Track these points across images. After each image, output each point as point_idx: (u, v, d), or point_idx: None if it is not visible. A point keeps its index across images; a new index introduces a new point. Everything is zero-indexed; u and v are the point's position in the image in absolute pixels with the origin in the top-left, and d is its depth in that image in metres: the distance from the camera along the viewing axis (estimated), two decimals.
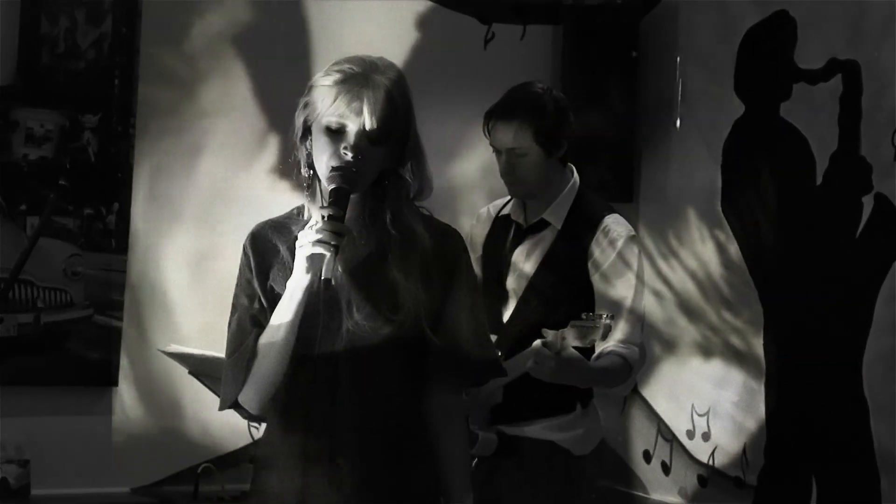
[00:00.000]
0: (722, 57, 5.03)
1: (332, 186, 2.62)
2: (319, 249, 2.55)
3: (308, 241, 2.56)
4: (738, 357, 4.89)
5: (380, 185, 2.70)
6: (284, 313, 2.64)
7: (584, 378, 3.54)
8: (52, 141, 4.59)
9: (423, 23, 5.22)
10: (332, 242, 2.55)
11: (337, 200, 2.61)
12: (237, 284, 2.77)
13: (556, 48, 5.38)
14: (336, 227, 2.57)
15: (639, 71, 5.28)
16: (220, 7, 4.89)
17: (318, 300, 2.66)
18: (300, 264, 2.59)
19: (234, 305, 2.77)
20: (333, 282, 2.61)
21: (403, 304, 2.66)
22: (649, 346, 5.21)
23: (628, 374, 3.62)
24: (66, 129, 4.61)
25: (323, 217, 2.58)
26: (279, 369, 2.67)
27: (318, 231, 2.56)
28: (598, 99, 5.15)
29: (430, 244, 2.72)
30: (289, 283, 2.63)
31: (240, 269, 2.77)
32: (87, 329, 4.64)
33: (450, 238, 2.79)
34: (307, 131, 2.71)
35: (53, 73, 4.60)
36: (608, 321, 3.28)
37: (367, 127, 2.63)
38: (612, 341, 3.54)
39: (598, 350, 3.56)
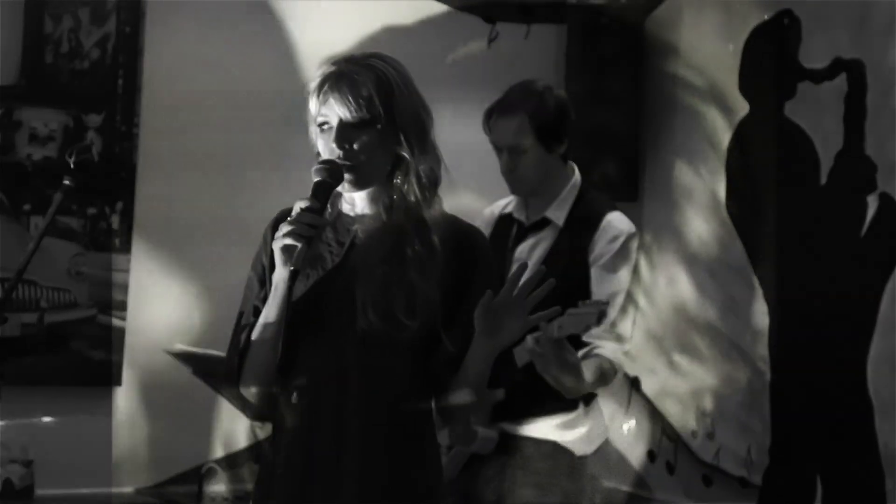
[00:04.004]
0: (726, 56, 5.02)
1: (316, 179, 2.65)
2: (290, 241, 2.56)
3: (281, 233, 2.58)
4: (742, 357, 4.89)
5: (391, 176, 2.72)
6: (270, 308, 2.67)
7: (576, 389, 3.52)
8: (55, 140, 4.59)
9: (427, 22, 5.22)
10: (304, 234, 2.57)
11: (316, 193, 2.64)
12: (252, 268, 2.81)
13: (561, 47, 5.37)
14: (310, 219, 2.59)
15: (643, 69, 5.27)
16: (225, 6, 4.89)
17: (329, 291, 2.67)
18: (277, 257, 2.60)
19: (246, 287, 2.80)
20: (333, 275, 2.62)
21: (419, 309, 2.66)
22: (653, 345, 5.21)
23: (613, 376, 3.62)
24: (69, 129, 4.61)
25: (300, 209, 2.60)
26: (270, 365, 2.68)
27: (290, 222, 2.58)
28: (602, 98, 5.15)
29: (451, 245, 2.72)
30: (273, 277, 2.66)
31: (256, 254, 2.80)
32: (90, 329, 4.65)
33: (472, 239, 2.80)
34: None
35: (57, 72, 4.60)
36: (603, 306, 3.27)
37: (343, 117, 2.66)
38: (601, 340, 3.52)
39: (587, 341, 3.54)
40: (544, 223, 3.75)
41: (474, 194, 4.17)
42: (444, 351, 2.69)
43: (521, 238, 3.79)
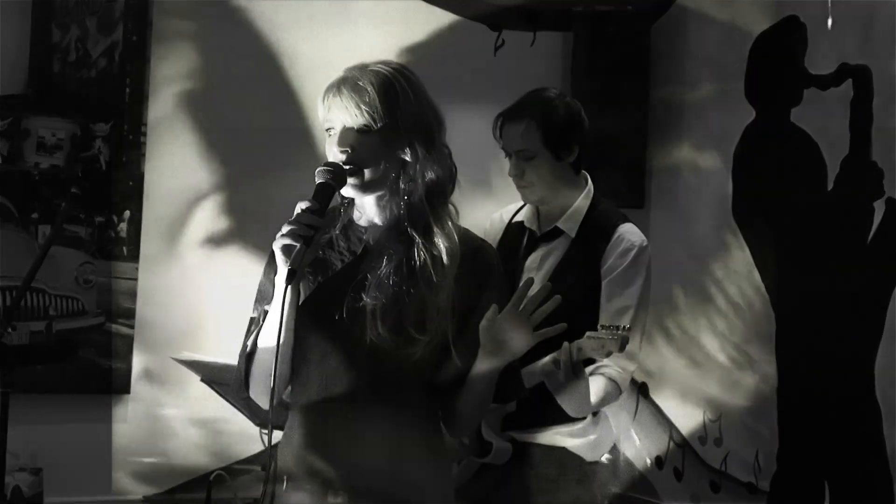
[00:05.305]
0: (732, 62, 5.03)
1: (318, 181, 2.65)
2: (289, 240, 2.56)
3: (280, 234, 2.58)
4: (750, 363, 4.89)
5: (398, 182, 2.71)
6: (274, 311, 2.66)
7: (579, 409, 3.53)
8: (63, 149, 4.60)
9: (434, 30, 5.22)
10: (302, 234, 2.57)
11: (316, 194, 2.64)
12: (264, 274, 2.80)
13: (567, 55, 5.38)
14: (308, 220, 2.59)
15: (649, 77, 5.28)
16: (232, 14, 4.90)
17: (340, 301, 2.67)
18: (277, 257, 2.60)
19: (258, 293, 2.80)
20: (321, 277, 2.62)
21: (430, 324, 2.66)
22: (661, 352, 5.21)
23: (617, 397, 3.62)
24: (77, 138, 4.62)
25: (300, 209, 2.61)
26: (277, 370, 2.64)
27: (290, 223, 2.58)
28: (608, 105, 5.15)
29: (461, 261, 2.72)
30: (276, 279, 2.66)
31: (267, 261, 2.79)
32: (99, 337, 4.65)
33: (482, 254, 2.79)
34: None
35: (64, 81, 4.61)
36: (625, 333, 3.25)
37: (345, 122, 2.68)
38: (611, 358, 3.51)
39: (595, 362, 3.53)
40: (556, 233, 3.74)
41: (480, 203, 4.17)
42: (452, 365, 2.69)
43: (532, 247, 3.77)
